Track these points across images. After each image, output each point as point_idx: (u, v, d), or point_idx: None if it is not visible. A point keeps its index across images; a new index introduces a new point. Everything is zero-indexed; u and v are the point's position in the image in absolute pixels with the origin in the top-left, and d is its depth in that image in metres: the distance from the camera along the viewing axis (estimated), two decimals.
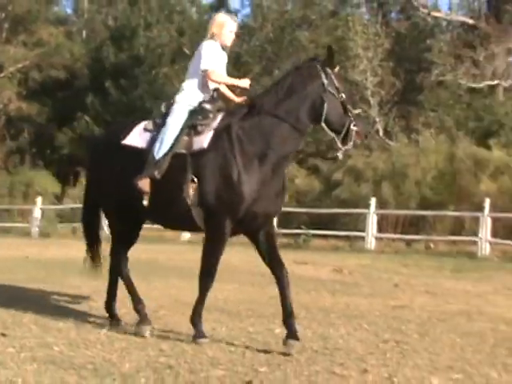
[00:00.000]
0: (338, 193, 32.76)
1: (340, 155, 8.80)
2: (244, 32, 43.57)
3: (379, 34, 38.49)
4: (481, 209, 26.74)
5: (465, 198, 30.11)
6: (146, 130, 9.21)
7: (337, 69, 8.75)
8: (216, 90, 9.19)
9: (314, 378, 7.33)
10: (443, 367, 7.99)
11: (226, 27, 9.23)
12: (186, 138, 8.81)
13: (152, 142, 8.99)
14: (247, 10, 50.40)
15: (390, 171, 32.42)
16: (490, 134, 34.47)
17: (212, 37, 9.24)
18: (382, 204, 29.65)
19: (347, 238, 28.80)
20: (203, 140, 8.70)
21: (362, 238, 28.39)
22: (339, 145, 8.66)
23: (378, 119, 37.83)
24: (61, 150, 51.59)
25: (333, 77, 8.62)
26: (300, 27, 43.08)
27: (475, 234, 26.73)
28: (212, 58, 9.10)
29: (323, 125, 8.63)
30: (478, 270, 20.88)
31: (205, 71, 9.05)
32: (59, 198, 42.32)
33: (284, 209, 30.15)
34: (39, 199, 37.22)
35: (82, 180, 40.86)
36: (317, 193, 34.97)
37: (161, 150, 8.79)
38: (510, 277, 19.29)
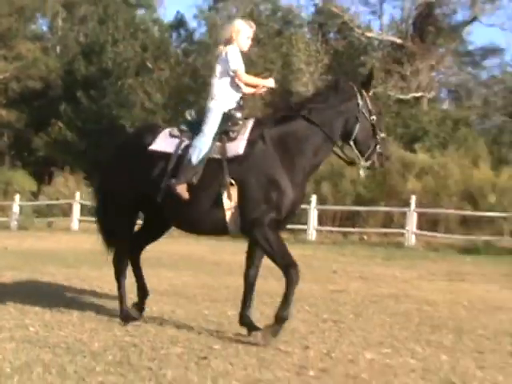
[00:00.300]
0: None
1: (362, 173, 8.45)
2: (201, 48, 43.63)
3: (319, 51, 38.75)
4: (408, 205, 26.96)
5: (394, 195, 30.29)
6: (172, 135, 8.45)
7: (371, 92, 8.26)
8: (242, 97, 8.50)
9: (262, 354, 7.36)
10: (375, 343, 8.07)
11: (242, 33, 8.44)
12: (218, 143, 8.09)
13: (180, 147, 8.29)
14: (204, 29, 50.12)
15: (329, 172, 32.47)
16: (416, 140, 34.78)
17: (229, 42, 8.42)
18: (321, 200, 29.75)
19: (291, 230, 28.82)
20: (238, 146, 8.01)
21: (305, 230, 28.43)
22: (362, 163, 8.26)
23: None
24: (37, 152, 51.20)
25: (367, 99, 8.14)
26: None
27: (403, 226, 26.93)
28: (239, 59, 8.32)
29: (351, 143, 8.19)
30: (405, 258, 21.03)
31: (235, 71, 8.25)
32: (35, 195, 41.86)
33: None
34: (17, 196, 36.72)
35: (56, 179, 40.71)
36: None
37: (198, 157, 8.06)
38: (432, 264, 19.47)
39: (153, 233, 9.33)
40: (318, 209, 29.01)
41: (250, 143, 8.03)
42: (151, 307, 9.83)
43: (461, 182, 30.45)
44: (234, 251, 16.46)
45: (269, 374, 6.62)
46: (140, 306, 9.14)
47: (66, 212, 34.79)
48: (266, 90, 8.68)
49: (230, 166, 7.95)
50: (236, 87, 8.45)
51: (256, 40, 42.89)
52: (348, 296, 12.08)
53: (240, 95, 8.48)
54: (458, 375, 6.72)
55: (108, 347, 7.41)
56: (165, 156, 8.31)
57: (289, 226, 28.03)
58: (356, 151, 8.24)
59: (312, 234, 28.26)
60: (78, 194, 33.57)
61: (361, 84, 8.21)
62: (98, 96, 48.20)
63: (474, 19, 41.93)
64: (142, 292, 9.20)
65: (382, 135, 8.21)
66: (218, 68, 8.45)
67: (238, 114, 8.28)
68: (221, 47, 8.54)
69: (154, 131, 8.72)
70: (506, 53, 45.51)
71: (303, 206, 28.77)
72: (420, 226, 26.98)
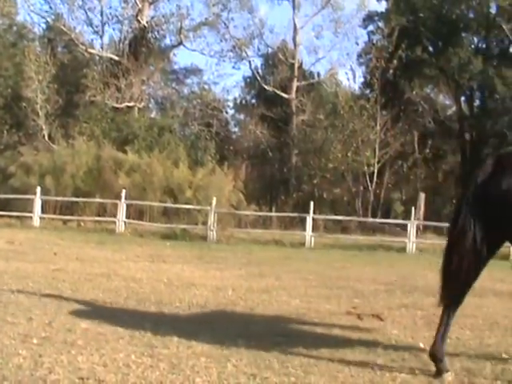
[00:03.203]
0: (12, 182, 31.80)
1: None
2: None
3: (48, 63, 37.96)
4: (119, 197, 27.11)
5: (107, 189, 30.32)
6: None
7: None
8: None
9: None
10: (89, 315, 8.06)
11: None
12: None
13: None
14: None
15: (53, 167, 31.92)
16: (127, 142, 34.84)
17: None
18: (45, 192, 29.15)
19: (18, 217, 28.00)
20: None
21: (30, 217, 27.72)
22: None
23: (44, 127, 37.36)
24: None
25: None
26: None
27: (114, 215, 27.06)
28: None
29: None
30: (116, 242, 21.14)
31: None
32: None
33: None
34: None
35: None
36: None
37: None
38: (138, 248, 19.75)
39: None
40: (43, 199, 28.40)
41: None
42: None
43: (164, 179, 31.15)
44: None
45: None
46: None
47: None
48: None
49: None
50: None
51: None
52: (67, 274, 11.98)
53: None
54: (159, 340, 6.93)
55: None
56: None
57: (16, 214, 27.65)
58: None
59: (37, 221, 27.60)
60: None
61: None
62: None
63: (180, 44, 42.95)
64: None
65: None
66: None
67: None
68: None
69: None
70: (205, 73, 46.54)
71: (29, 196, 28.10)
72: (129, 216, 27.26)
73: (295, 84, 42.99)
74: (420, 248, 24.65)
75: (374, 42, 41.94)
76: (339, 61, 43.09)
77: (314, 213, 26.55)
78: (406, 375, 6.02)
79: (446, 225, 29.28)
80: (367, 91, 41.85)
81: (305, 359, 6.37)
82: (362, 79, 44.64)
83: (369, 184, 37.27)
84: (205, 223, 26.60)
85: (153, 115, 45.01)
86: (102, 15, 42.64)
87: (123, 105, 39.69)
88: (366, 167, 36.81)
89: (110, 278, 11.84)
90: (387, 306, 9.93)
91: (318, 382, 5.70)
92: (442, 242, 25.56)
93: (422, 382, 5.87)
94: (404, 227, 26.38)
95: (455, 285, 6.26)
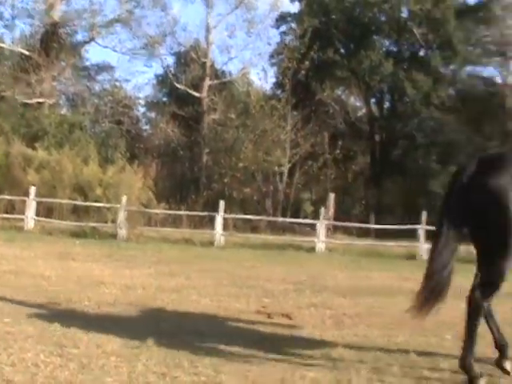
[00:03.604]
0: None
1: None
2: None
3: None
4: (28, 194, 26.60)
5: (16, 186, 29.70)
6: None
7: None
8: None
9: None
10: (1, 313, 7.94)
11: None
12: None
13: None
14: None
15: None
16: (37, 139, 34.21)
17: None
18: None
19: None
20: None
21: None
22: None
23: None
24: None
25: None
26: None
27: (23, 212, 26.52)
28: None
29: None
30: (25, 240, 20.73)
31: None
32: None
33: None
34: None
35: None
36: None
37: None
38: (47, 245, 19.41)
39: None
40: None
41: None
42: None
43: (73, 176, 30.74)
44: None
45: None
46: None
47: None
48: None
49: None
50: None
51: None
52: None
53: None
54: (68, 339, 6.87)
55: None
56: None
57: None
58: None
59: None
60: None
61: None
62: None
63: (92, 40, 42.46)
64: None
65: None
66: None
67: None
68: None
69: None
70: (116, 70, 46.24)
71: None
72: (38, 213, 26.78)
73: (207, 83, 43.01)
74: (329, 248, 25.01)
75: (287, 42, 42.32)
76: (251, 60, 43.26)
77: (224, 212, 26.58)
78: (316, 374, 6.15)
79: (355, 225, 30.32)
80: (279, 91, 42.20)
81: (215, 358, 6.43)
82: (273, 79, 45.02)
83: (279, 184, 37.62)
84: (114, 221, 26.34)
85: (63, 112, 44.27)
86: (12, 9, 41.71)
87: (33, 100, 38.94)
88: (276, 167, 37.17)
89: (19, 276, 11.67)
90: (296, 306, 10.09)
91: (228, 381, 5.77)
92: (351, 242, 26.28)
93: (331, 381, 6.00)
94: (314, 227, 26.66)
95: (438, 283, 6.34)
